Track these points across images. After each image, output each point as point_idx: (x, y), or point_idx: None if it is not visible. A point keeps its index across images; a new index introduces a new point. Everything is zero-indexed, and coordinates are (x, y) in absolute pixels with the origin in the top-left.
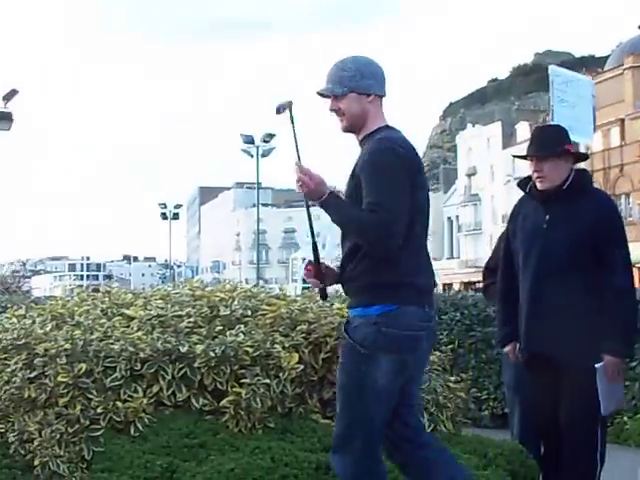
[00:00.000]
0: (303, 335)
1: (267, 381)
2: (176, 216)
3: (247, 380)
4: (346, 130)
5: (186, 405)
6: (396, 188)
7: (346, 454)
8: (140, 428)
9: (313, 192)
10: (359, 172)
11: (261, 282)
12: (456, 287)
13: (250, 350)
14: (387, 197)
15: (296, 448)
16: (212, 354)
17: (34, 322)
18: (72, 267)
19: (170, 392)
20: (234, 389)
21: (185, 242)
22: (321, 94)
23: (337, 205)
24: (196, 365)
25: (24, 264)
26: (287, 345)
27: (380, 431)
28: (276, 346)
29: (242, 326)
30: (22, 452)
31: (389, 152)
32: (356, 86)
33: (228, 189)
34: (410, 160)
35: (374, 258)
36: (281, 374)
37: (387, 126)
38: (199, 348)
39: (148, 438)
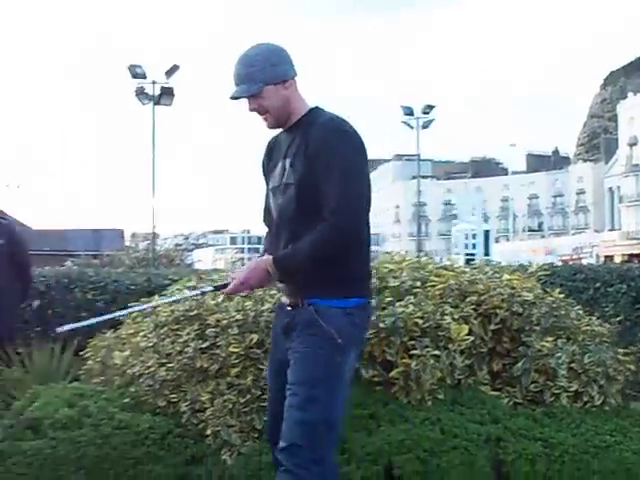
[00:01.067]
0: (472, 306)
1: (437, 352)
2: None
3: (417, 351)
4: (273, 126)
5: (356, 376)
6: (358, 178)
7: (303, 455)
8: None
9: (256, 283)
10: (314, 154)
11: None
12: (617, 260)
13: (420, 321)
14: (346, 197)
15: (466, 420)
16: (382, 325)
17: (204, 293)
18: (233, 240)
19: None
20: (404, 360)
21: None
22: (236, 97)
23: (288, 260)
24: (366, 336)
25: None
26: (456, 316)
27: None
28: (446, 317)
29: (411, 297)
30: (194, 421)
31: (349, 136)
32: (270, 78)
33: (387, 161)
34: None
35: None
36: (450, 345)
37: (317, 107)
38: None
39: None
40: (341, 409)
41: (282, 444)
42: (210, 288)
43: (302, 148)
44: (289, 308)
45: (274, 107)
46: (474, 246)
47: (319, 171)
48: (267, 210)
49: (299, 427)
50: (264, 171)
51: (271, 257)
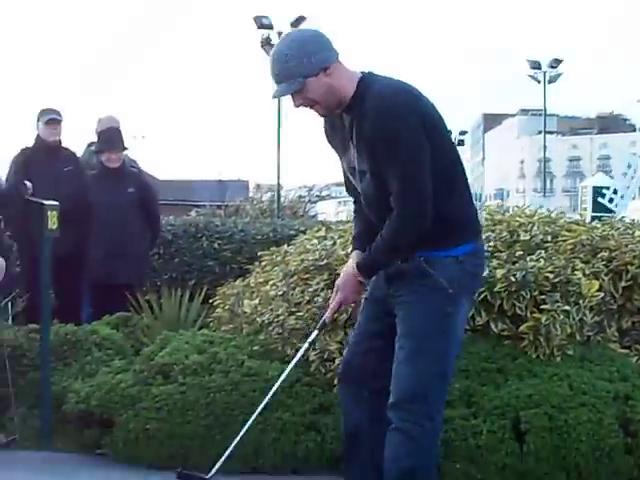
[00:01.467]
0: (604, 262)
1: (567, 308)
2: (461, 143)
3: (547, 306)
4: (327, 114)
5: (485, 329)
6: (417, 160)
7: (415, 411)
8: None
9: (354, 295)
10: (371, 142)
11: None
12: None
13: (550, 276)
14: (407, 190)
15: (594, 377)
16: (512, 279)
17: (335, 243)
18: None
19: (469, 315)
20: (534, 315)
21: (469, 169)
22: (278, 96)
23: (370, 262)
24: (496, 289)
25: (310, 190)
26: (587, 272)
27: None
28: (576, 273)
29: (542, 252)
30: (322, 370)
31: (397, 113)
32: (309, 70)
33: (512, 116)
34: (423, 104)
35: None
36: (581, 301)
37: (363, 77)
38: (499, 272)
39: None
40: (453, 362)
41: (391, 400)
42: (315, 333)
43: (360, 133)
44: (398, 262)
45: (321, 97)
46: (611, 200)
47: (380, 160)
48: (348, 184)
49: (409, 381)
50: (328, 140)
51: (356, 265)
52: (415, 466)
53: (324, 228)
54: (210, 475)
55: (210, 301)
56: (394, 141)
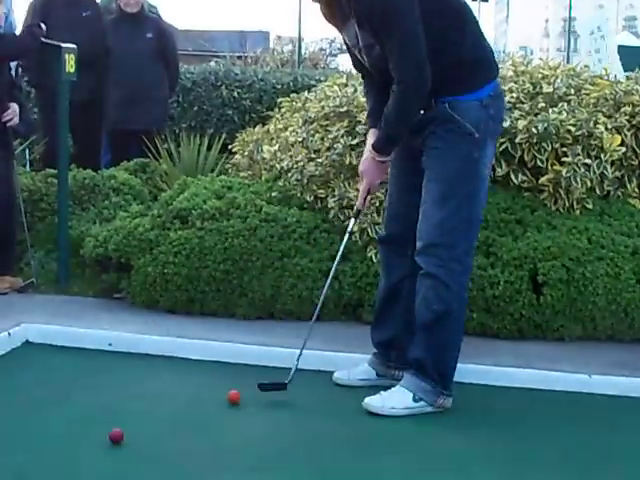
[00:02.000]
0: (627, 117)
1: (588, 161)
2: None
3: (568, 159)
4: None
5: (505, 180)
6: (407, 27)
7: (443, 255)
8: None
9: (378, 177)
10: (365, 19)
11: None
12: None
13: (572, 129)
14: (405, 67)
15: (613, 231)
16: (534, 130)
17: (355, 90)
18: None
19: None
20: (554, 167)
21: (492, 26)
22: None
23: (384, 140)
24: (517, 141)
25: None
26: (610, 126)
27: None
28: (599, 126)
29: (565, 104)
30: (341, 217)
31: None
32: None
33: None
34: None
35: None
36: (602, 155)
37: None
38: (521, 124)
39: None
40: (481, 206)
41: (419, 245)
42: (352, 222)
43: (356, 9)
44: (421, 112)
45: None
46: None
47: (377, 32)
48: (355, 61)
49: (437, 226)
50: (327, 20)
51: (372, 147)
52: (447, 310)
53: (345, 76)
54: (289, 379)
55: (229, 148)
56: (385, 13)
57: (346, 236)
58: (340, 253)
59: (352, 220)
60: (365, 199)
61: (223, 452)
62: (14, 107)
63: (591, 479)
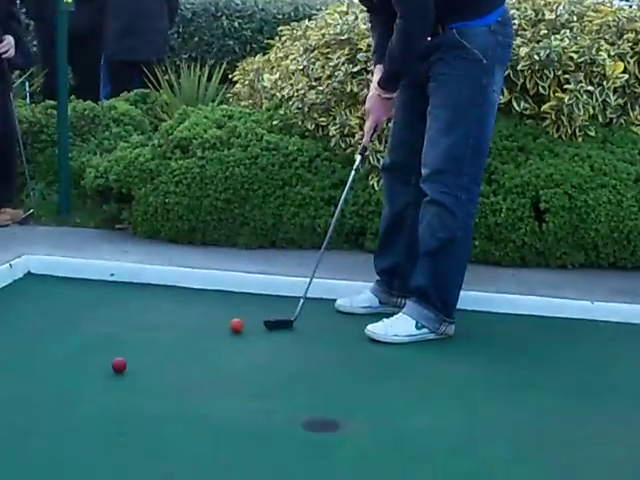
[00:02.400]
0: (630, 44)
1: (590, 89)
2: None
3: (570, 86)
4: None
5: (507, 108)
6: None
7: (449, 182)
8: None
9: (383, 111)
10: None
11: None
12: None
13: (575, 56)
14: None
15: (615, 158)
16: (536, 57)
17: (356, 18)
18: None
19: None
20: (556, 94)
21: None
22: None
23: (389, 76)
24: (519, 68)
25: None
26: (612, 53)
27: None
28: (601, 54)
29: (567, 31)
30: (342, 146)
31: None
32: None
33: None
34: None
35: None
36: (605, 83)
37: None
38: (523, 51)
39: None
40: (489, 133)
41: (425, 172)
42: (358, 158)
43: None
44: (429, 38)
45: None
46: None
47: None
48: None
49: (444, 152)
50: None
51: (377, 83)
52: (452, 238)
53: (346, 3)
54: (295, 317)
55: (229, 78)
56: None
57: (352, 172)
58: (347, 188)
59: (358, 157)
60: (371, 136)
61: (225, 380)
62: (9, 39)
63: (593, 405)
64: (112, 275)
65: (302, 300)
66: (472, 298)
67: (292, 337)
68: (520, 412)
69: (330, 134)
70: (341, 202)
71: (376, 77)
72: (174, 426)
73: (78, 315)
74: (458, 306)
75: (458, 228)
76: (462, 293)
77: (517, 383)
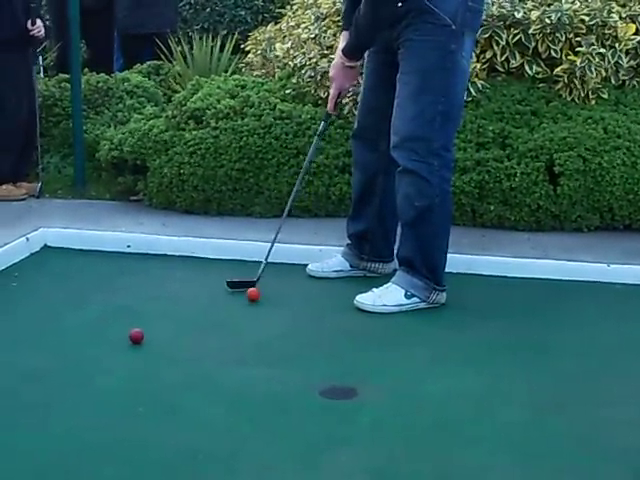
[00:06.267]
0: None
1: (602, 51)
2: None
3: (582, 49)
4: None
5: (519, 72)
6: None
7: (420, 149)
8: (473, 93)
9: (346, 79)
10: None
11: None
12: None
13: (586, 18)
14: None
15: (629, 120)
16: (548, 21)
17: None
18: None
19: (504, 58)
20: (569, 57)
21: None
22: None
23: (354, 41)
24: (531, 32)
25: None
26: (624, 15)
27: None
28: (613, 16)
29: None
30: (355, 113)
31: None
32: None
33: None
34: None
35: None
36: (617, 45)
37: None
38: (534, 14)
39: (481, 104)
40: (460, 99)
41: (394, 139)
42: (322, 124)
43: None
44: (399, 4)
45: None
46: None
47: None
48: None
49: (413, 119)
50: None
51: (341, 51)
52: (429, 205)
53: None
54: (257, 277)
55: (242, 48)
56: None
57: (315, 138)
58: (311, 153)
59: (322, 123)
60: (335, 103)
61: (242, 349)
62: (39, 23)
63: (610, 368)
64: (128, 246)
65: (264, 262)
66: (488, 262)
67: (309, 305)
68: (537, 376)
69: (343, 102)
70: (305, 166)
71: (341, 45)
72: (191, 395)
73: (95, 287)
74: (474, 271)
75: (435, 195)
76: (477, 257)
77: (533, 347)
